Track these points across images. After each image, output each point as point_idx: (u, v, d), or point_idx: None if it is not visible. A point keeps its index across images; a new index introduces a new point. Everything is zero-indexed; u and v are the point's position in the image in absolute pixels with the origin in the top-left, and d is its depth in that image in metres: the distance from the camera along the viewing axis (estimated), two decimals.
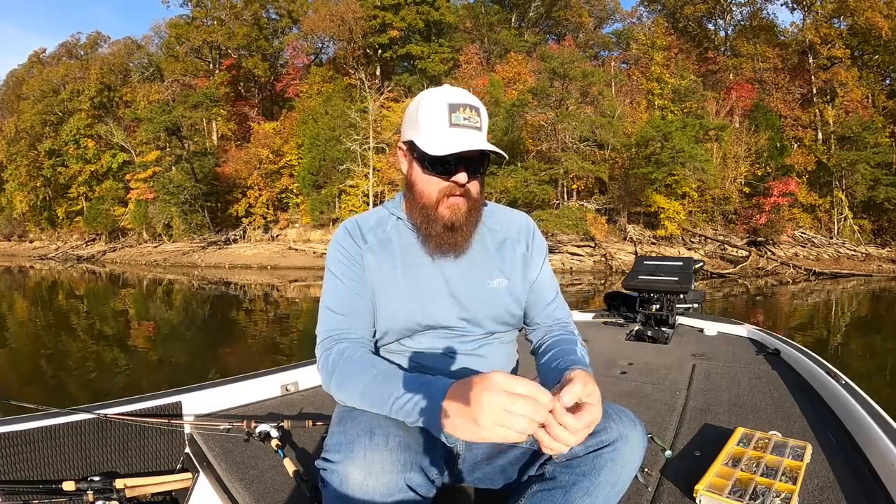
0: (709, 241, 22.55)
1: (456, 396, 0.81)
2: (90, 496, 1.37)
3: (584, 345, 1.18)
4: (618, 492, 0.96)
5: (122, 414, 1.57)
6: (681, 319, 3.49)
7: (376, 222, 1.20)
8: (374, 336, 1.16)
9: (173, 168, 30.25)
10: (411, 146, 1.11)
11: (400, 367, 1.11)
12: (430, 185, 1.10)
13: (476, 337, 1.17)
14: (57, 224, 37.84)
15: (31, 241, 39.48)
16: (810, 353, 2.40)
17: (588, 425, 0.80)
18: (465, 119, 1.07)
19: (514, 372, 1.29)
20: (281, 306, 13.53)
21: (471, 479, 1.14)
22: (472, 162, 1.08)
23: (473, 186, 1.12)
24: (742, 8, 31.79)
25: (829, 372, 2.05)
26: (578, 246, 22.00)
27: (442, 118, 1.06)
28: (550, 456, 0.98)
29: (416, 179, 1.12)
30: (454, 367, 1.15)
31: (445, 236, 1.11)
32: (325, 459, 0.91)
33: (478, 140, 1.06)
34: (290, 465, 1.38)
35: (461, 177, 1.08)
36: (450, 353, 1.15)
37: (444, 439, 1.11)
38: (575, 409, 0.81)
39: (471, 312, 1.15)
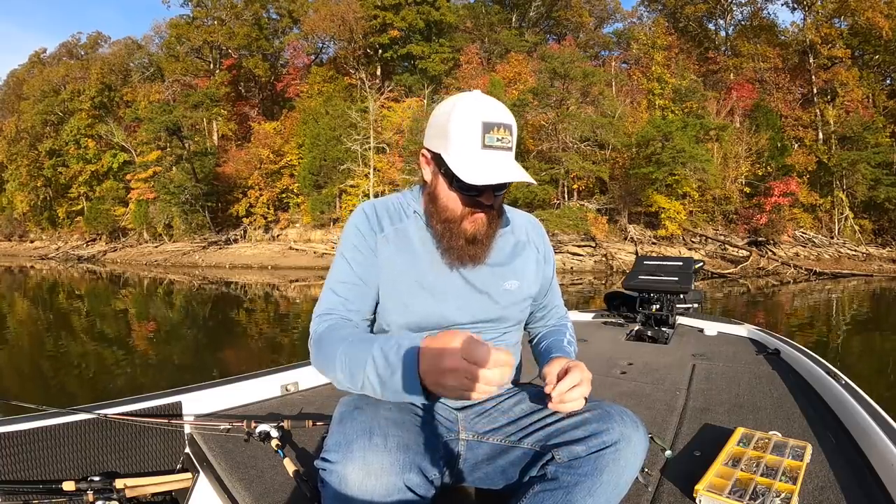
0: (709, 241, 22.55)
1: (427, 363, 0.85)
2: (90, 496, 1.37)
3: (573, 338, 1.31)
4: (619, 493, 0.97)
5: (122, 414, 1.57)
6: (681, 319, 3.49)
7: (395, 211, 1.19)
8: (370, 323, 1.18)
9: (174, 168, 30.28)
10: (438, 159, 1.08)
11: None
12: (454, 202, 1.09)
13: (485, 333, 1.17)
14: (57, 224, 37.88)
15: (32, 241, 39.51)
16: (810, 353, 2.40)
17: (580, 383, 1.01)
18: (498, 140, 1.04)
19: (518, 369, 1.30)
20: (281, 306, 13.55)
21: (471, 479, 1.14)
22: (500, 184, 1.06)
23: (496, 203, 1.12)
24: (742, 8, 31.84)
25: (829, 372, 2.05)
26: (579, 246, 22.00)
27: (475, 138, 1.03)
28: (553, 456, 0.99)
29: (440, 193, 1.10)
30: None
31: (467, 249, 1.10)
32: (324, 459, 0.91)
33: (509, 165, 1.04)
34: (290, 465, 1.38)
35: (487, 199, 1.08)
36: None
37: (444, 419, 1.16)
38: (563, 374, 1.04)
39: (483, 314, 1.16)
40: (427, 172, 1.14)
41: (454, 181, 1.04)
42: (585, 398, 1.02)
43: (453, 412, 1.18)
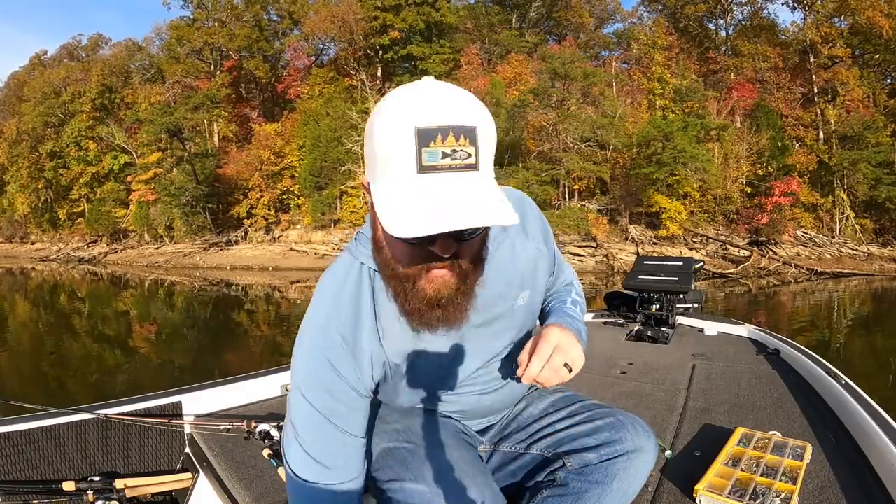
0: (710, 241, 22.52)
1: None
2: (90, 496, 1.37)
3: (579, 297, 1.12)
4: (627, 501, 0.97)
5: (123, 414, 1.57)
6: (681, 319, 3.49)
7: (362, 295, 0.87)
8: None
9: (174, 169, 30.28)
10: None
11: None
12: (401, 254, 0.77)
13: (504, 356, 1.06)
14: (58, 226, 37.89)
15: (33, 243, 39.53)
16: (810, 353, 2.40)
17: (539, 368, 0.85)
18: (444, 156, 0.67)
19: None
20: (282, 307, 13.55)
21: None
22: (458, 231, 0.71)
23: (465, 252, 0.77)
24: (743, 7, 31.78)
25: (829, 372, 2.05)
26: (580, 246, 21.99)
27: (406, 157, 0.67)
28: (563, 463, 0.98)
29: (382, 240, 0.79)
30: (483, 397, 1.05)
31: (431, 314, 0.80)
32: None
33: (465, 194, 0.67)
34: None
35: (443, 248, 0.73)
36: (480, 384, 1.03)
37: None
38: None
39: (500, 346, 0.99)
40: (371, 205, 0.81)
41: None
42: (567, 365, 0.86)
43: (475, 434, 1.12)
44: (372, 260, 0.86)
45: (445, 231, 0.65)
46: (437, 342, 0.91)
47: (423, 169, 0.67)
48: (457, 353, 0.93)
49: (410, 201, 0.67)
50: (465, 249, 0.76)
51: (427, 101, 0.69)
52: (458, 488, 0.85)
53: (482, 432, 1.12)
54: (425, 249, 0.73)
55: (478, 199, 0.67)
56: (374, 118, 0.72)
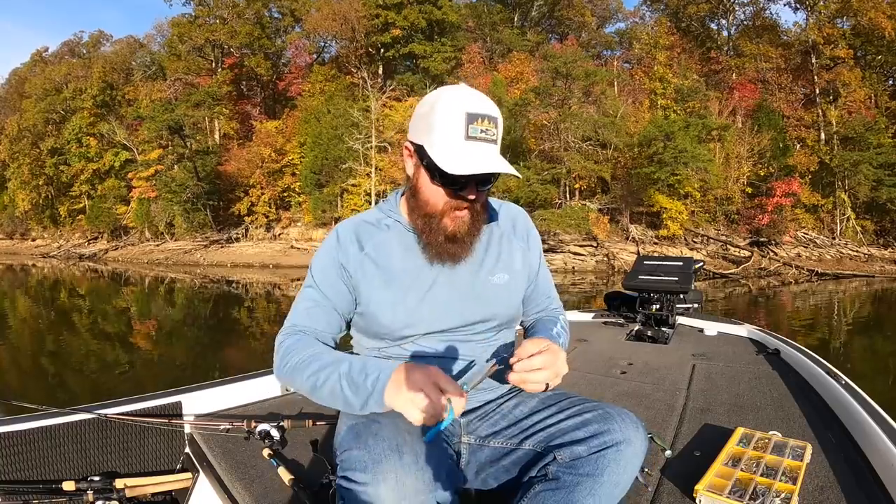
0: (711, 241, 22.51)
1: (405, 374, 0.91)
2: (90, 496, 1.37)
3: (564, 330, 1.27)
4: (620, 493, 0.97)
5: (123, 414, 1.58)
6: (681, 319, 3.48)
7: (374, 226, 1.17)
8: (341, 336, 1.19)
9: (175, 166, 30.31)
10: (420, 151, 1.06)
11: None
12: (436, 196, 1.07)
13: (478, 333, 1.16)
14: (59, 222, 37.93)
15: (34, 240, 39.57)
16: (810, 353, 2.40)
17: (540, 366, 0.98)
18: (482, 132, 1.02)
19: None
20: (283, 305, 13.55)
21: (475, 482, 1.14)
22: (484, 176, 1.04)
23: (480, 198, 1.09)
24: (745, 8, 31.72)
25: (829, 372, 2.05)
26: (581, 246, 21.98)
27: (458, 128, 1.01)
28: (554, 457, 0.99)
29: (422, 187, 1.08)
30: (455, 369, 1.13)
31: (446, 246, 1.09)
32: (349, 479, 0.88)
33: (492, 156, 1.02)
34: (290, 465, 1.38)
35: (470, 193, 1.05)
36: (452, 355, 1.14)
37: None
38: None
39: (475, 314, 1.14)
40: (410, 166, 1.12)
41: (436, 174, 1.03)
42: (548, 385, 1.00)
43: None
44: (400, 213, 1.17)
45: (483, 172, 0.99)
46: (422, 285, 1.11)
47: (468, 138, 1.01)
48: (434, 299, 1.11)
49: (461, 154, 1.00)
50: (481, 196, 1.09)
51: (471, 97, 1.03)
52: (400, 454, 0.88)
53: (462, 416, 1.16)
54: (457, 193, 1.05)
55: (497, 159, 1.02)
56: (435, 104, 1.03)
